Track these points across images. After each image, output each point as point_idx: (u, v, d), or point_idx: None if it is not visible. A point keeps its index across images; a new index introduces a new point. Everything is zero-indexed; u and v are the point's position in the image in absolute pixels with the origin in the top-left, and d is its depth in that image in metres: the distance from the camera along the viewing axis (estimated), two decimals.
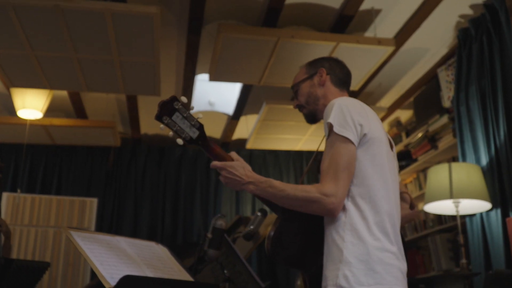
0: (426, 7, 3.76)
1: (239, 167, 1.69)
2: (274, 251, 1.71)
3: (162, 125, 1.63)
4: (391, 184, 1.72)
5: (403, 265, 1.65)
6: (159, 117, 1.61)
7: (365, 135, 1.68)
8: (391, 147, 1.86)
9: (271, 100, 4.86)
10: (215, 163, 1.71)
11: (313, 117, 1.97)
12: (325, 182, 1.62)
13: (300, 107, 1.99)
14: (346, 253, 1.58)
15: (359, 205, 1.63)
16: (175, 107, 1.63)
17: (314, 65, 1.98)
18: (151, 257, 1.94)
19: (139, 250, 1.93)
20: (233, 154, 1.75)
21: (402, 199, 1.92)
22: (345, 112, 1.68)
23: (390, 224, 1.65)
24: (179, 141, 1.64)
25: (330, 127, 1.67)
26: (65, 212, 5.27)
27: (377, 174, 1.68)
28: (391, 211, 1.68)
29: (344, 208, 1.64)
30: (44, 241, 5.10)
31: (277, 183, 1.67)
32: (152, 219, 6.12)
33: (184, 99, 1.65)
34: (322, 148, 1.94)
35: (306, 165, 6.40)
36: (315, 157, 1.97)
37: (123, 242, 1.90)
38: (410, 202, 1.94)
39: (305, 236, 1.76)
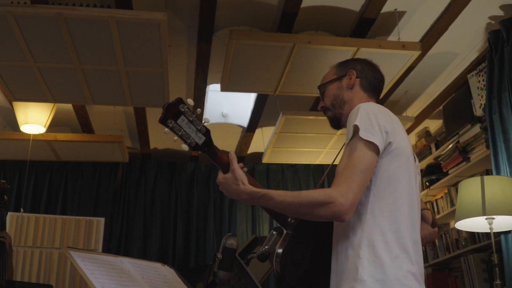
0: (453, 9, 3.74)
1: (232, 179, 1.66)
2: (285, 270, 1.70)
3: (166, 129, 1.60)
4: (415, 199, 1.71)
5: None
6: (163, 120, 1.58)
7: (390, 143, 1.66)
8: (415, 160, 1.84)
9: (288, 110, 4.86)
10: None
11: (337, 121, 1.95)
12: (336, 183, 1.59)
13: (325, 110, 1.98)
14: (361, 270, 1.56)
15: (378, 220, 1.61)
16: (180, 109, 1.59)
17: (345, 66, 1.97)
18: (157, 279, 1.95)
19: (144, 271, 1.94)
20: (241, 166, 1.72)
21: (422, 217, 1.89)
22: (371, 117, 1.66)
23: (411, 242, 1.63)
24: (184, 147, 1.62)
25: (355, 129, 1.65)
26: (71, 233, 5.30)
27: (402, 187, 1.66)
28: (414, 228, 1.67)
29: (361, 222, 1.63)
30: (49, 263, 5.14)
31: (275, 194, 1.63)
32: (163, 240, 6.14)
33: (190, 101, 1.62)
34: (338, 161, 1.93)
35: (327, 180, 6.38)
36: (329, 171, 1.96)
37: (126, 263, 1.91)
38: (432, 220, 1.91)
39: (317, 252, 1.75)
